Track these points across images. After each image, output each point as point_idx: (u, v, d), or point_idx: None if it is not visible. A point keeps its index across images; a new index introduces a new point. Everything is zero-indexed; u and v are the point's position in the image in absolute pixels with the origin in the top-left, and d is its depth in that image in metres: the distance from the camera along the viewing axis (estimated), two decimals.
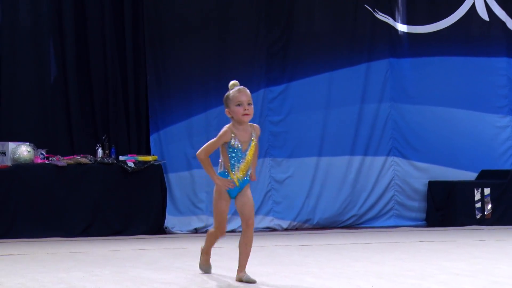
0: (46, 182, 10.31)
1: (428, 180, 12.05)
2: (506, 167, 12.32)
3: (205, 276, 6.54)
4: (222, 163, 6.18)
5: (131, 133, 11.32)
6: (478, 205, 11.64)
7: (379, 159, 12.05)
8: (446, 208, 11.74)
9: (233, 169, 6.13)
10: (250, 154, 6.15)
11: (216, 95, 11.38)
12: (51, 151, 10.72)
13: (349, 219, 11.89)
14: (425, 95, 12.19)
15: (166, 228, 10.97)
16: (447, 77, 12.29)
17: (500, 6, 12.47)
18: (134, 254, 8.44)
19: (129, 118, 11.32)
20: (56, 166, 10.38)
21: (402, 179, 12.12)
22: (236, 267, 6.22)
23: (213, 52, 11.59)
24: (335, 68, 11.93)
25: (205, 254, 6.60)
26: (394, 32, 12.24)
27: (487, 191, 11.67)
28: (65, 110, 11.15)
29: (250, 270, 6.27)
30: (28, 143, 10.46)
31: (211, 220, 11.17)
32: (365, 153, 11.98)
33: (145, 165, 10.67)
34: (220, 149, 6.17)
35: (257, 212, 10.97)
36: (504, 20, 12.51)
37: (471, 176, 12.20)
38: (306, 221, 11.70)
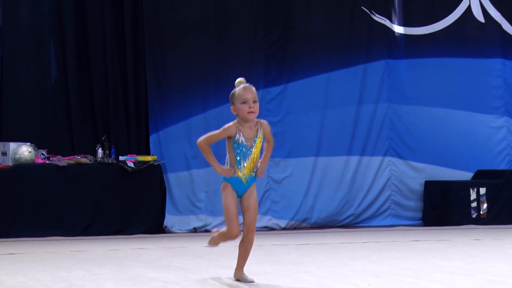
0: (47, 182, 10.33)
1: (425, 180, 12.06)
2: (501, 167, 12.34)
3: (204, 275, 6.57)
4: (228, 160, 6.11)
5: (131, 133, 11.33)
6: (474, 204, 11.65)
7: (376, 159, 12.07)
8: (442, 208, 11.74)
9: (239, 166, 6.04)
10: (255, 152, 6.06)
11: (215, 96, 11.44)
12: (52, 151, 10.73)
13: (346, 218, 11.91)
14: (421, 96, 12.21)
15: (165, 227, 10.97)
16: (443, 78, 12.30)
17: (495, 8, 12.47)
18: (133, 253, 8.44)
19: (129, 118, 11.32)
20: (57, 166, 10.41)
21: (399, 179, 12.14)
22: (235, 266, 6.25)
23: (212, 53, 11.59)
24: (333, 69, 11.94)
25: (213, 242, 6.44)
26: (391, 33, 12.24)
27: (482, 190, 11.68)
28: (65, 111, 11.16)
29: (248, 268, 6.29)
30: (29, 144, 10.46)
31: (210, 220, 11.25)
32: (362, 153, 11.99)
33: (145, 165, 10.68)
34: (226, 146, 6.09)
35: None
36: (499, 21, 12.52)
37: (467, 176, 12.22)
38: (304, 220, 11.73)
